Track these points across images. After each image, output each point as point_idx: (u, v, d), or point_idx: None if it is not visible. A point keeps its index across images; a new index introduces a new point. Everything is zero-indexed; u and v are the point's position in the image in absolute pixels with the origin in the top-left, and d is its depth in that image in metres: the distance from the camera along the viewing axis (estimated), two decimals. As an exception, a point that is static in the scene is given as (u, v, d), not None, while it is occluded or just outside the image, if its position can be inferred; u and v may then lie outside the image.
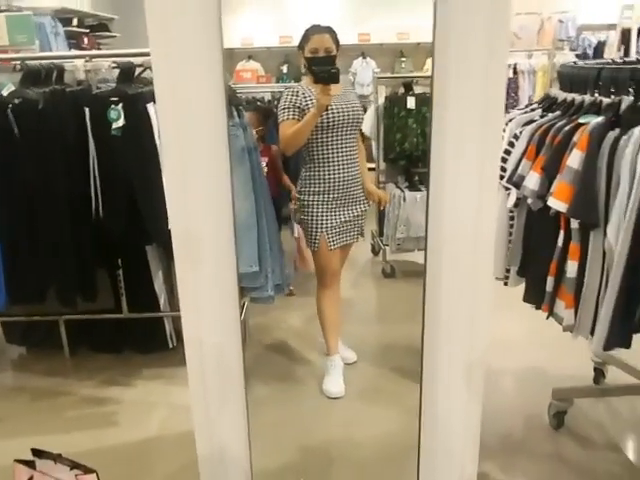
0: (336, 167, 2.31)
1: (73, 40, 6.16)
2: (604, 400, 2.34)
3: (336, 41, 2.27)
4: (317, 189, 2.33)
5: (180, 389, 2.50)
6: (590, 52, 7.70)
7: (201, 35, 1.25)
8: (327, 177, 2.32)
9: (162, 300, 2.67)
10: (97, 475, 1.68)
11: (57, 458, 1.72)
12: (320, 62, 2.17)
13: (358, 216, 2.43)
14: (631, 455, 2.05)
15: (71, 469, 1.69)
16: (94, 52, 2.49)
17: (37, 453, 1.74)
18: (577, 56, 6.69)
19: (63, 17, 5.90)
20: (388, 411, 2.29)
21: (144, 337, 2.73)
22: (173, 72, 1.27)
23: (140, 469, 2.06)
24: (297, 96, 2.27)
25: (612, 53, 7.33)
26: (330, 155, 2.30)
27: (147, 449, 2.16)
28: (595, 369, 2.44)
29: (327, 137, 2.28)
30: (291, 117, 2.25)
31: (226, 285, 1.42)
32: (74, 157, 2.25)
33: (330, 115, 2.24)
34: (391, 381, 2.53)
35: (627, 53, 7.04)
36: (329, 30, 2.28)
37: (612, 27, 7.42)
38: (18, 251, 2.28)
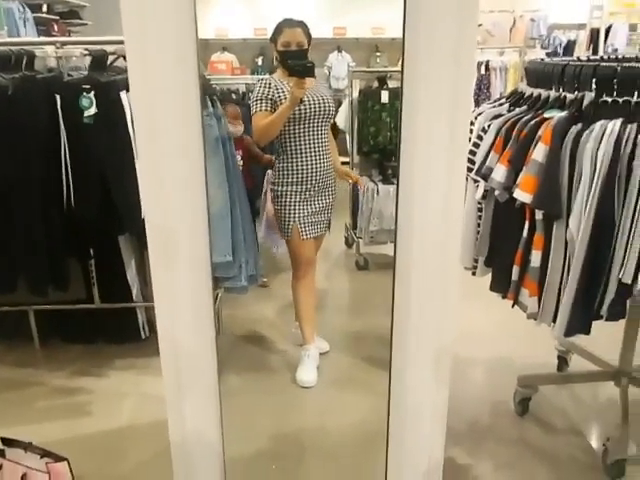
0: (308, 159, 2.36)
1: (43, 27, 6.04)
2: (567, 387, 2.42)
3: (308, 35, 2.31)
4: (290, 180, 2.37)
5: (152, 379, 2.51)
6: (560, 51, 7.86)
7: (175, 23, 1.25)
8: (299, 168, 2.36)
9: (135, 290, 2.67)
10: (68, 463, 1.69)
11: (27, 447, 1.73)
12: (292, 55, 2.21)
13: (327, 207, 2.49)
14: (592, 440, 2.13)
15: (41, 457, 1.70)
16: (65, 38, 2.45)
17: (7, 442, 1.74)
18: (547, 54, 6.83)
19: (32, 3, 5.78)
20: (359, 399, 2.33)
21: (116, 327, 2.72)
22: (147, 61, 1.27)
23: (112, 457, 2.06)
24: (270, 88, 2.30)
25: (581, 52, 7.50)
26: (302, 147, 2.34)
27: (119, 438, 2.16)
28: (559, 357, 2.52)
29: (300, 129, 2.32)
30: (264, 109, 2.28)
31: (200, 275, 1.43)
32: (45, 144, 2.22)
33: (303, 108, 2.27)
34: (362, 370, 2.57)
35: (595, 52, 7.21)
36: (301, 24, 2.31)
37: (582, 27, 7.59)
38: (-12, 239, 2.25)
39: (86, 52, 2.25)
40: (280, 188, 2.39)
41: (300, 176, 2.37)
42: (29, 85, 2.18)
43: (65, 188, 2.29)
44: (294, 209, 2.40)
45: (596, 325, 1.71)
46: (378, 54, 7.54)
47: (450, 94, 1.30)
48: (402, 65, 1.29)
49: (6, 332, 2.79)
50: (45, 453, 1.70)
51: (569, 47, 7.85)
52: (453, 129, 1.33)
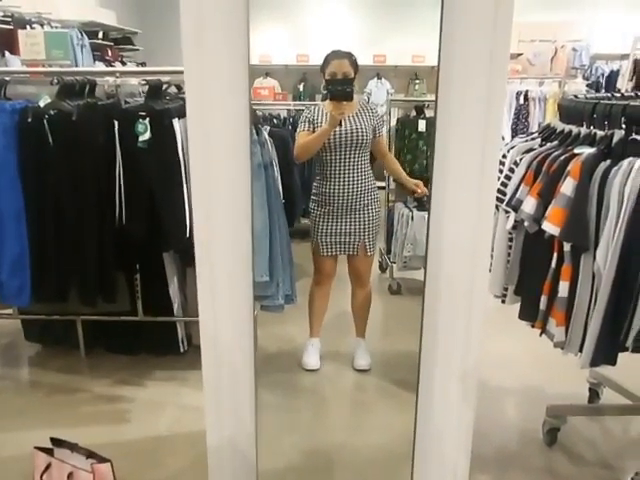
0: (336, 184, 2.56)
1: (98, 52, 6.39)
2: (597, 419, 2.41)
3: (355, 65, 2.49)
4: (318, 200, 2.62)
5: (190, 391, 2.62)
6: (603, 81, 7.80)
7: (229, 52, 1.37)
8: (325, 191, 2.59)
9: (176, 305, 2.79)
10: (111, 464, 1.80)
11: (74, 447, 1.84)
12: (337, 83, 2.40)
13: (356, 230, 2.62)
14: (621, 474, 2.12)
15: (87, 458, 1.81)
16: (124, 69, 2.65)
17: (56, 442, 1.87)
18: (589, 85, 6.81)
19: (89, 30, 6.14)
20: (388, 420, 2.38)
21: (157, 340, 2.85)
22: (204, 91, 1.39)
23: (151, 463, 2.16)
24: (314, 113, 2.54)
25: (624, 83, 7.44)
26: (332, 172, 2.56)
27: (158, 445, 2.26)
28: (590, 389, 2.51)
29: (332, 156, 2.53)
30: (306, 129, 2.53)
31: (241, 290, 1.54)
32: (102, 166, 2.39)
33: (336, 136, 2.47)
34: (392, 393, 2.62)
35: (638, 83, 7.14)
36: (348, 55, 2.49)
37: (625, 57, 7.54)
38: (45, 251, 2.42)
39: (144, 82, 2.42)
40: (312, 206, 2.66)
41: (324, 197, 2.59)
42: (91, 111, 2.37)
43: (118, 206, 2.45)
44: (317, 226, 2.63)
45: (628, 359, 1.74)
46: (417, 81, 7.65)
47: (482, 127, 1.38)
48: (436, 96, 1.38)
49: (54, 339, 2.97)
50: (90, 454, 1.81)
51: (612, 77, 7.78)
52: (483, 161, 1.40)
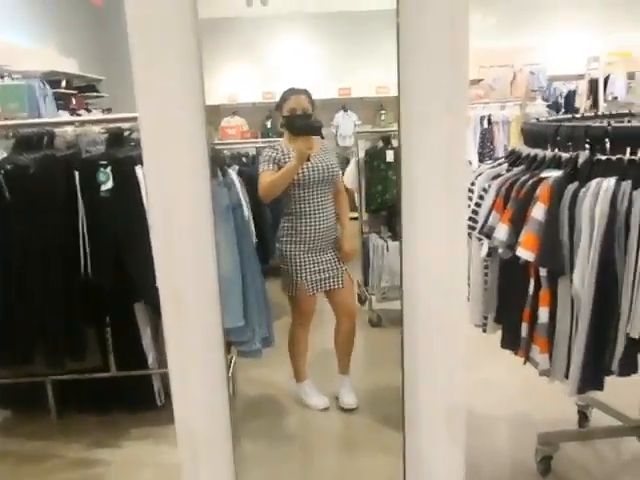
0: (311, 220, 2.50)
1: (61, 101, 6.33)
2: (589, 443, 2.36)
3: (312, 102, 2.49)
4: (295, 239, 2.52)
5: (169, 448, 2.48)
6: (562, 101, 8.03)
7: (184, 97, 1.34)
8: (304, 229, 2.51)
9: (150, 358, 2.69)
10: (85, 539, 1.68)
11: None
12: (299, 118, 2.38)
13: (333, 262, 2.58)
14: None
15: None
16: (84, 118, 2.61)
17: (24, 518, 1.74)
18: (549, 106, 6.97)
19: (52, 79, 6.09)
20: (375, 461, 2.29)
21: (132, 395, 2.73)
22: (159, 134, 1.35)
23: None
24: (276, 151, 2.47)
25: (582, 102, 7.67)
26: (305, 209, 2.49)
27: (137, 510, 2.14)
28: (579, 412, 2.47)
29: (304, 192, 2.47)
30: (270, 168, 2.44)
31: (212, 340, 1.47)
32: (64, 217, 2.32)
33: (307, 171, 2.42)
34: (377, 430, 2.53)
35: (596, 101, 7.37)
36: (305, 92, 2.50)
37: (581, 77, 7.79)
38: (7, 312, 2.31)
39: (103, 131, 2.38)
40: (286, 247, 2.53)
41: (302, 235, 2.51)
42: (49, 163, 2.31)
43: (82, 258, 2.37)
44: (299, 266, 2.53)
45: (615, 379, 1.70)
46: (383, 112, 7.77)
47: (444, 152, 1.37)
48: (399, 126, 1.36)
49: (23, 404, 2.81)
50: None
51: (570, 98, 8.02)
52: (449, 189, 1.38)
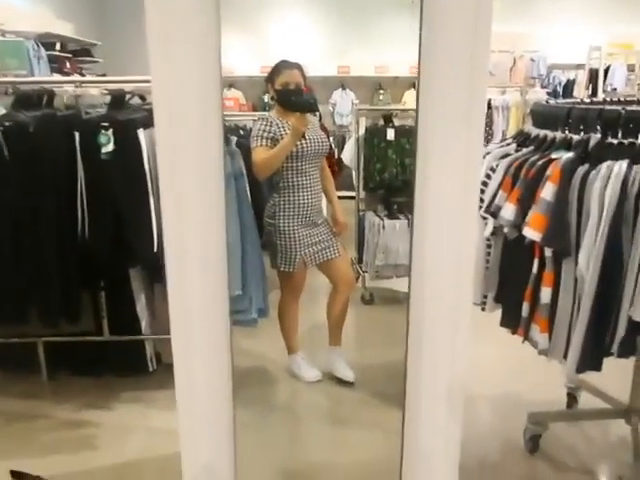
0: (307, 193, 2.50)
1: (55, 64, 6.20)
2: (578, 425, 2.41)
3: (304, 76, 2.46)
4: (291, 213, 2.50)
5: (159, 412, 2.50)
6: (560, 90, 8.04)
7: (201, 63, 1.31)
8: (299, 202, 2.50)
9: (144, 323, 2.68)
10: (79, 497, 1.68)
11: (37, 480, 1.73)
12: (293, 93, 2.35)
13: (328, 234, 2.62)
14: (601, 478, 2.12)
15: (51, 491, 1.69)
16: (85, 78, 2.54)
17: (16, 475, 1.74)
18: (548, 94, 6.97)
19: (46, 41, 5.95)
20: (367, 435, 2.32)
21: (124, 360, 2.72)
22: (172, 100, 1.32)
23: (120, 493, 2.05)
24: (270, 125, 2.42)
25: (580, 91, 7.67)
26: (302, 182, 2.48)
27: (126, 473, 2.15)
28: (568, 394, 2.51)
29: (300, 165, 2.46)
30: (264, 144, 2.39)
31: (217, 305, 1.46)
32: (63, 179, 2.28)
33: (304, 144, 2.41)
34: (371, 405, 2.56)
35: (594, 91, 7.38)
36: (298, 66, 2.46)
37: (581, 67, 7.78)
38: (2, 270, 2.28)
39: (106, 92, 2.32)
40: (282, 222, 2.50)
41: (300, 209, 2.50)
42: (49, 122, 2.25)
43: (80, 221, 2.34)
44: (298, 241, 2.51)
45: (605, 362, 1.73)
46: (381, 92, 7.72)
47: (463, 132, 1.35)
48: (417, 104, 1.34)
49: (14, 364, 2.79)
50: (55, 487, 1.70)
51: (568, 86, 8.03)
52: (466, 169, 1.37)
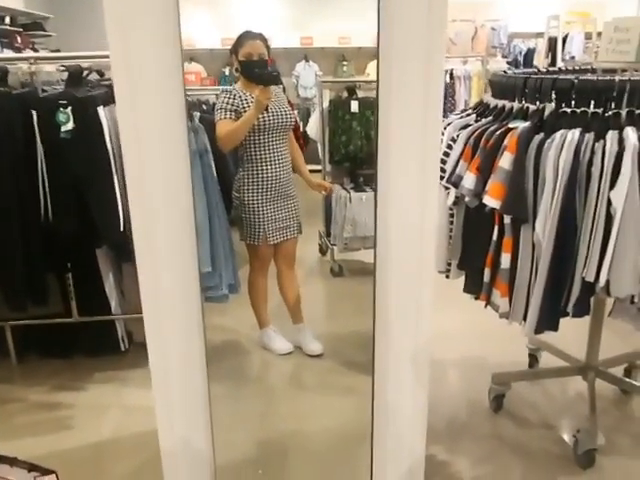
0: (272, 167, 2.50)
1: (5, 39, 5.96)
2: (539, 383, 2.53)
3: (267, 47, 2.44)
4: (255, 187, 2.51)
5: (133, 391, 2.52)
6: (521, 59, 8.12)
7: (161, 35, 1.30)
8: (264, 176, 2.50)
9: (113, 303, 2.67)
10: (56, 476, 1.69)
11: (13, 462, 1.72)
12: (256, 65, 2.33)
13: (292, 212, 2.62)
14: (563, 433, 2.23)
15: (29, 471, 1.70)
16: (40, 54, 2.45)
17: (-8, 458, 1.74)
18: (509, 63, 7.05)
19: (-5, 16, 5.72)
20: (339, 402, 2.39)
21: (95, 341, 2.72)
22: (133, 75, 1.31)
23: (98, 470, 2.07)
24: (234, 98, 2.42)
25: (540, 60, 7.78)
26: (266, 155, 2.48)
27: (103, 451, 2.17)
28: (530, 355, 2.63)
29: (264, 138, 2.46)
30: (227, 117, 2.40)
31: (187, 282, 1.48)
32: (22, 159, 2.23)
33: (267, 117, 2.41)
34: (341, 374, 2.62)
35: (554, 60, 7.49)
36: (260, 36, 2.43)
37: (540, 35, 7.87)
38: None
39: (62, 69, 2.26)
40: (247, 195, 2.52)
41: (265, 184, 2.51)
42: (5, 101, 2.19)
43: (43, 202, 2.30)
44: (261, 216, 2.53)
45: (563, 323, 1.81)
46: (344, 63, 7.65)
47: (421, 102, 1.38)
48: (377, 75, 1.36)
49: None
50: (32, 467, 1.70)
51: (529, 55, 8.11)
52: (425, 136, 1.40)
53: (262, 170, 2.50)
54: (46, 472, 1.69)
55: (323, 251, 4.09)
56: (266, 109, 2.34)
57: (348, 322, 3.04)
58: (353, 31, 7.24)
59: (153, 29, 1.29)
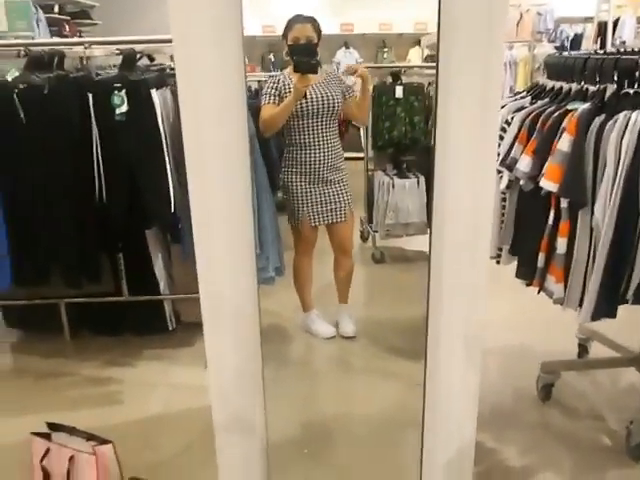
0: (315, 151, 2.52)
1: (54, 27, 6.09)
2: (589, 373, 2.47)
3: (318, 31, 2.43)
4: (297, 170, 2.55)
5: (180, 369, 2.58)
6: (567, 44, 7.86)
7: (223, 21, 1.31)
8: (306, 160, 2.53)
9: (162, 284, 2.73)
10: (113, 445, 1.76)
11: (72, 431, 1.79)
12: (300, 50, 2.33)
13: (341, 196, 2.63)
14: (614, 424, 2.18)
15: (87, 440, 1.76)
16: (95, 39, 2.51)
17: (53, 426, 1.81)
18: (556, 48, 6.84)
19: (44, 4, 5.84)
20: (385, 387, 2.39)
21: (144, 320, 2.79)
22: (192, 59, 1.32)
23: (148, 444, 2.12)
24: (278, 83, 2.45)
25: (589, 45, 7.52)
26: (309, 140, 2.51)
27: (152, 426, 2.23)
28: (579, 345, 2.57)
29: (305, 123, 2.48)
30: (271, 102, 2.44)
31: (244, 262, 1.50)
32: (78, 141, 2.29)
33: (306, 104, 2.43)
34: (385, 359, 2.63)
35: (603, 46, 7.22)
36: (311, 20, 2.43)
37: (589, 20, 7.59)
38: (23, 234, 2.32)
39: (117, 52, 2.31)
40: (289, 177, 2.57)
41: (306, 167, 2.53)
42: (63, 84, 2.26)
43: (97, 183, 2.36)
44: (303, 198, 2.57)
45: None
46: (385, 50, 7.57)
47: (480, 85, 1.35)
48: (437, 59, 1.34)
49: (37, 324, 2.87)
50: (90, 437, 1.76)
51: (576, 40, 7.85)
52: (485, 123, 1.38)
53: (304, 154, 2.52)
54: (103, 442, 1.75)
55: (364, 237, 4.09)
56: (304, 96, 2.35)
57: (390, 308, 3.03)
58: (394, 18, 7.17)
59: (213, 14, 1.29)
